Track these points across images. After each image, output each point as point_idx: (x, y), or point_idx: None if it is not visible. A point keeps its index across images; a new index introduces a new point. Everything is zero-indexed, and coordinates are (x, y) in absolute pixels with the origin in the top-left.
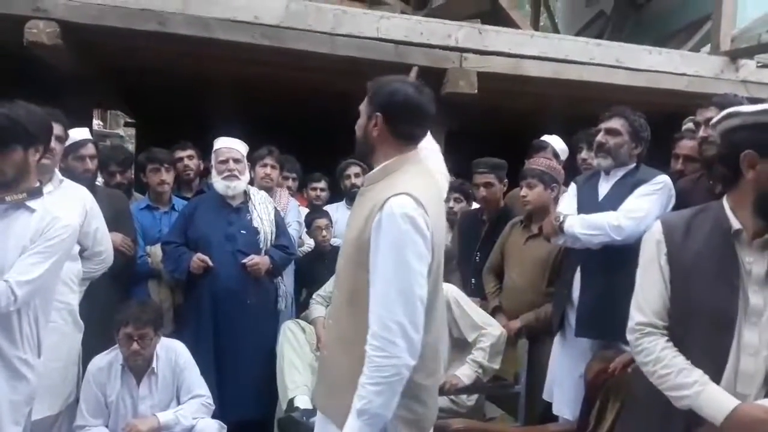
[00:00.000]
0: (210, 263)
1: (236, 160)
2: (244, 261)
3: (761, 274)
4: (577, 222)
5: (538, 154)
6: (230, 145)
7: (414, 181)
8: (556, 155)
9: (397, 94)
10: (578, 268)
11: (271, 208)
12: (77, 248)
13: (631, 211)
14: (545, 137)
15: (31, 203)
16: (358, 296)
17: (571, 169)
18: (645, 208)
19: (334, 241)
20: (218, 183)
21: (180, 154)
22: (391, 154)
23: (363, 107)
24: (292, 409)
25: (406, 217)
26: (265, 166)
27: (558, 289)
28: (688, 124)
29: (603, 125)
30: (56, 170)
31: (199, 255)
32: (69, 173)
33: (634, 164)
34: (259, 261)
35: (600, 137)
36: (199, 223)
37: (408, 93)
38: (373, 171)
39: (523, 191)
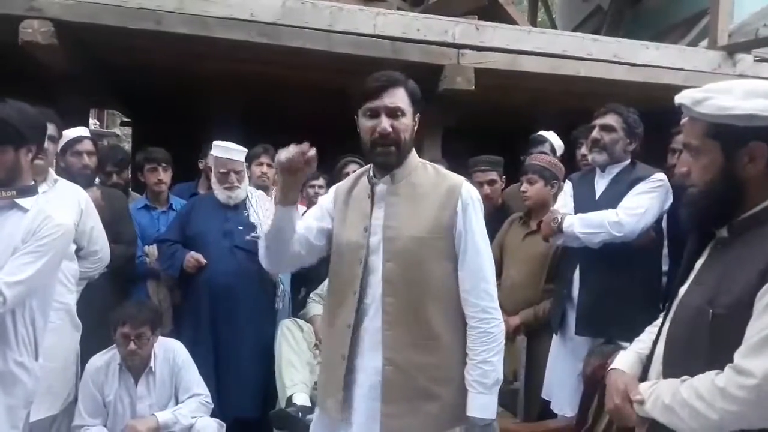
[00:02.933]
0: (203, 261)
1: (237, 172)
2: (248, 237)
3: (697, 268)
4: (576, 221)
5: (536, 149)
6: (231, 156)
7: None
8: (553, 150)
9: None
10: (577, 267)
11: (269, 204)
12: (73, 248)
13: (630, 208)
14: (542, 132)
15: (23, 202)
16: (444, 286)
17: (569, 165)
18: (644, 205)
19: None
20: (219, 193)
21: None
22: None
23: (407, 107)
24: (290, 406)
25: (478, 199)
26: (261, 164)
27: (557, 288)
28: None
29: (597, 121)
30: (51, 170)
31: (193, 253)
32: (67, 171)
33: (629, 160)
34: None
35: (595, 133)
36: (197, 221)
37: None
38: (401, 168)
39: (524, 186)
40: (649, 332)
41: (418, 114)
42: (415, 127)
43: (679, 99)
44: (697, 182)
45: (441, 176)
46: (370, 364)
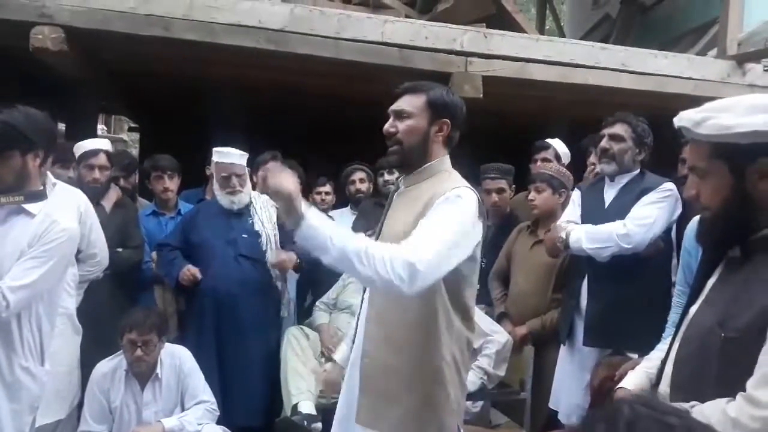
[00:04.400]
0: (199, 276)
1: (238, 176)
2: (271, 262)
3: (708, 288)
4: (583, 236)
5: (540, 154)
6: (231, 161)
7: (463, 180)
8: (557, 157)
9: (458, 104)
10: (585, 277)
11: (273, 210)
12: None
13: (638, 218)
14: (548, 140)
15: (30, 207)
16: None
17: (577, 174)
18: (653, 215)
19: None
20: (222, 198)
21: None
22: (434, 157)
23: (417, 111)
24: (296, 414)
25: (470, 199)
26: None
27: (565, 298)
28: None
29: (606, 131)
30: (48, 174)
31: (189, 267)
32: (78, 180)
33: (638, 170)
34: (284, 258)
35: (604, 143)
36: (201, 229)
37: (462, 103)
38: (416, 172)
39: (531, 195)
40: (659, 350)
41: (442, 120)
42: (439, 134)
43: (678, 122)
44: (708, 205)
45: (443, 182)
46: (358, 355)
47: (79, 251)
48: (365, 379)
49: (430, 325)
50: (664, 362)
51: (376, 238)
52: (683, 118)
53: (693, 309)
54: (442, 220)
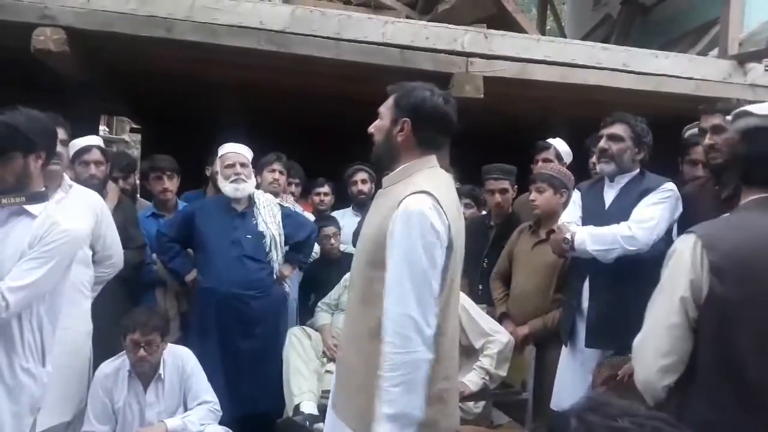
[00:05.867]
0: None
1: (242, 164)
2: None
3: None
4: (588, 239)
5: (541, 155)
6: (236, 150)
7: (432, 181)
8: (559, 157)
9: (426, 103)
10: (587, 278)
11: (277, 210)
12: (90, 253)
13: (642, 221)
14: (549, 140)
15: (31, 208)
16: (371, 294)
17: (580, 173)
18: (656, 217)
19: (343, 248)
20: (226, 187)
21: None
22: (411, 158)
23: (385, 111)
24: (298, 414)
25: (421, 214)
26: (273, 171)
27: (567, 299)
28: (692, 131)
29: (605, 131)
30: (65, 175)
31: (195, 275)
32: (77, 180)
33: (637, 170)
34: (286, 274)
35: (602, 143)
36: (203, 228)
37: (436, 102)
38: (393, 173)
39: (533, 195)
40: None
41: (402, 119)
42: (401, 133)
43: None
44: None
45: (407, 185)
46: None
47: (94, 252)
48: (338, 372)
49: (374, 327)
50: None
51: (357, 239)
52: None
53: None
54: (395, 269)
